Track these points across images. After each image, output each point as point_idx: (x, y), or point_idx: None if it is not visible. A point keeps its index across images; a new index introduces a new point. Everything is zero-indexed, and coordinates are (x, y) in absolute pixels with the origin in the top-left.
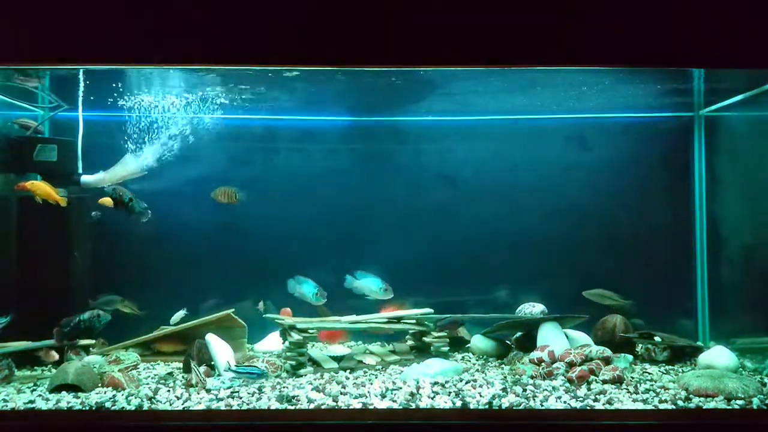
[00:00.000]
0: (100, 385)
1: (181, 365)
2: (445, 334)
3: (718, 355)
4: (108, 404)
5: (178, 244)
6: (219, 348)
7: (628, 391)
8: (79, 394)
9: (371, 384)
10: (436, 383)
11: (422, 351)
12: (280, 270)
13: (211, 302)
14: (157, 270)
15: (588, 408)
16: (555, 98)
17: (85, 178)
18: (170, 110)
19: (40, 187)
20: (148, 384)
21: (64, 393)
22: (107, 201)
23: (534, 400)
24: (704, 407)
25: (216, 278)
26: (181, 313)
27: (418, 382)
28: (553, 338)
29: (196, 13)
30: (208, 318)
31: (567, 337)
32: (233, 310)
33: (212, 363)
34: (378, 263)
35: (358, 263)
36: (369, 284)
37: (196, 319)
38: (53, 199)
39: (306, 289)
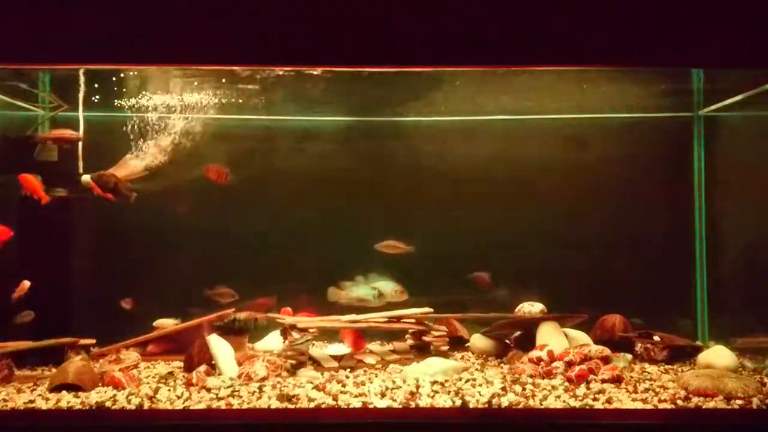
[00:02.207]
0: (100, 384)
1: (181, 364)
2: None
3: (717, 355)
4: (108, 404)
5: (177, 243)
6: (220, 348)
7: (627, 391)
8: (80, 393)
9: (371, 383)
10: (435, 382)
11: (422, 350)
12: (281, 269)
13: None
14: (155, 269)
15: (587, 407)
16: (555, 98)
17: (86, 178)
18: (173, 110)
19: (27, 180)
20: (148, 383)
21: (64, 392)
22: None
23: (533, 399)
24: (703, 407)
25: (218, 277)
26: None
27: (417, 381)
28: (552, 337)
29: (199, 13)
30: (209, 317)
31: (566, 336)
32: (234, 309)
33: (213, 363)
34: (380, 263)
35: (360, 264)
36: (381, 287)
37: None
38: (37, 196)
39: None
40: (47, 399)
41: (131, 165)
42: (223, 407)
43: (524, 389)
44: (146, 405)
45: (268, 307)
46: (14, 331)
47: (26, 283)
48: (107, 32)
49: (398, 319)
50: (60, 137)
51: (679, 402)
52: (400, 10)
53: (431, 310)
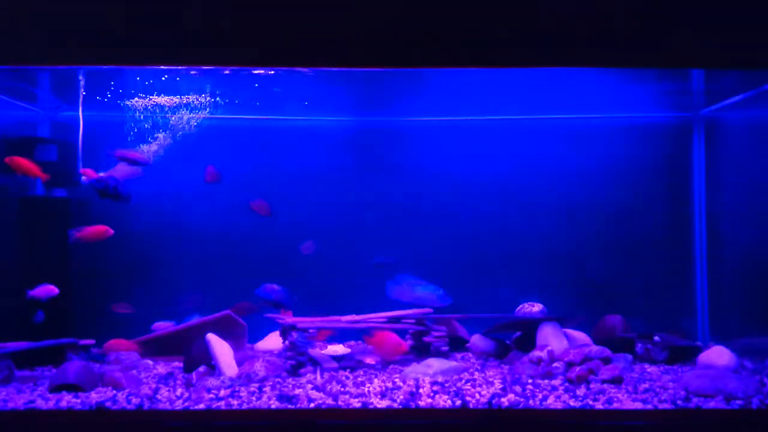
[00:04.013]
0: (100, 384)
1: (181, 365)
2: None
3: (717, 355)
4: (108, 404)
5: (177, 243)
6: (219, 348)
7: (628, 391)
8: (79, 393)
9: (371, 383)
10: (435, 383)
11: (422, 351)
12: (280, 269)
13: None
14: (156, 270)
15: (587, 408)
16: (555, 98)
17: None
18: (172, 110)
19: (17, 162)
20: (148, 383)
21: (64, 393)
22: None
23: (533, 399)
24: (703, 407)
25: (216, 277)
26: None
27: (417, 382)
28: (552, 338)
29: (199, 13)
30: (208, 318)
31: (566, 336)
32: (235, 309)
33: (212, 363)
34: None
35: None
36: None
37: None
38: (33, 174)
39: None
40: (47, 399)
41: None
42: (223, 408)
43: (524, 390)
44: (146, 405)
45: (250, 310)
46: (18, 332)
47: (54, 290)
48: (107, 32)
49: (399, 319)
50: (129, 157)
51: (679, 402)
52: (400, 10)
53: (431, 310)
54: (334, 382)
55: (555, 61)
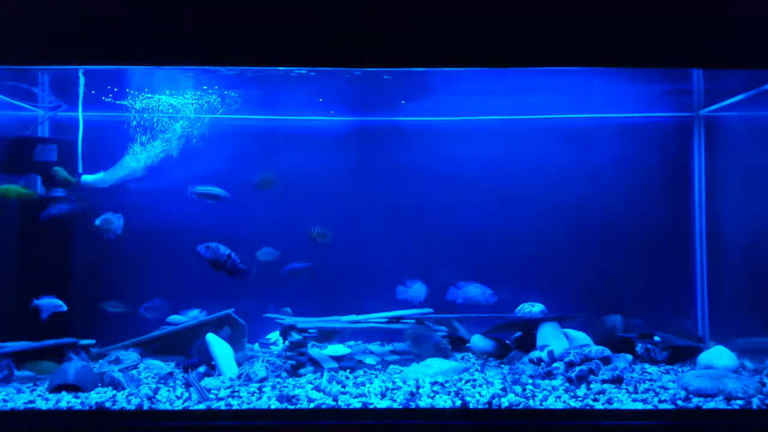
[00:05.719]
0: (99, 384)
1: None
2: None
3: (717, 355)
4: (108, 404)
5: (177, 243)
6: (219, 348)
7: (628, 391)
8: (79, 394)
9: (371, 384)
10: (435, 383)
11: None
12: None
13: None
14: (154, 269)
15: (587, 408)
16: (555, 98)
17: (85, 179)
18: (171, 111)
19: (8, 189)
20: (148, 384)
21: (64, 393)
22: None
23: (533, 399)
24: (703, 407)
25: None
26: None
27: (417, 382)
28: (552, 338)
29: (197, 12)
30: (208, 318)
31: (567, 336)
32: (233, 309)
33: (212, 363)
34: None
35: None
36: (476, 291)
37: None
38: (26, 196)
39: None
40: (47, 399)
41: (130, 166)
42: (223, 408)
43: (524, 390)
44: (146, 406)
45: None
46: (18, 331)
47: (62, 306)
48: (108, 31)
49: (398, 319)
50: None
51: (679, 402)
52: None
53: (431, 310)
54: (334, 382)
55: (548, 61)
